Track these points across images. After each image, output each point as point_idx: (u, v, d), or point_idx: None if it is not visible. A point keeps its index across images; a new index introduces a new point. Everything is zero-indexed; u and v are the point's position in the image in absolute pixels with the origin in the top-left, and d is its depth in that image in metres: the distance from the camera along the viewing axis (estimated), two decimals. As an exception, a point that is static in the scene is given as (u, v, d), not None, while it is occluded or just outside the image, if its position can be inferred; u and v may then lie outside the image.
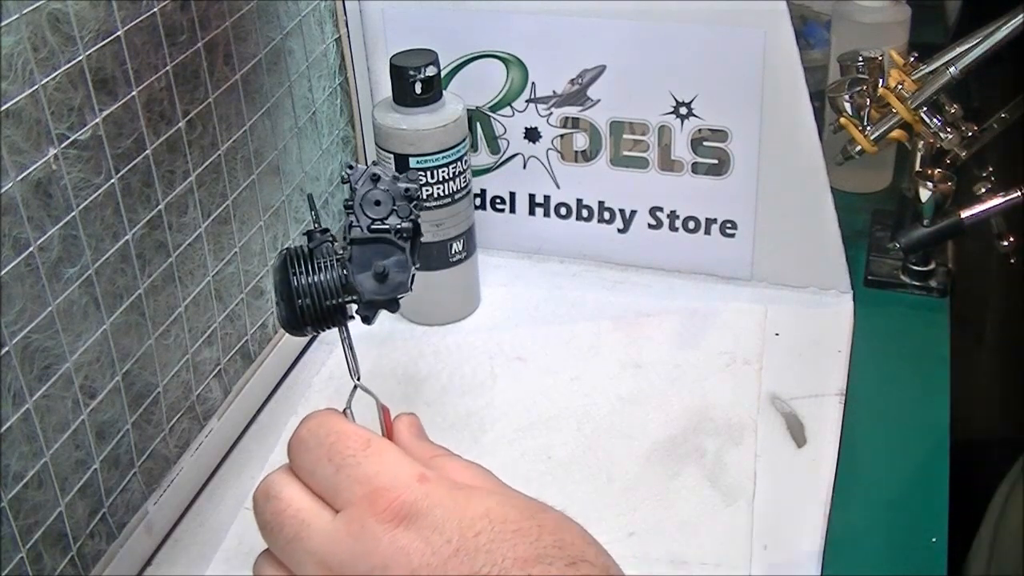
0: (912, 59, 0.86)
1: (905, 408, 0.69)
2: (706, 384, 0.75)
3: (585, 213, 0.87)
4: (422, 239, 0.55)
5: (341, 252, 0.52)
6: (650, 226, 0.86)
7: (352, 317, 0.52)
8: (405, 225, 0.53)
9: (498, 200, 0.89)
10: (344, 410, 0.49)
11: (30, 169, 0.51)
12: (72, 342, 0.55)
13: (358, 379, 0.52)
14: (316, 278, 0.51)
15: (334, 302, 0.51)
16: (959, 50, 0.81)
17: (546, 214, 0.88)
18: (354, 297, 0.51)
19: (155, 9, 0.58)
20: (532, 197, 0.88)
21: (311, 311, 0.51)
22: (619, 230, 0.87)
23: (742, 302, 0.83)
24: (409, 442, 0.48)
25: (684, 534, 0.64)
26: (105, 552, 0.60)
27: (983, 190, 0.80)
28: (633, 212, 0.86)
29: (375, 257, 0.52)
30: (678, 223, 0.85)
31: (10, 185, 0.49)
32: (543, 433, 0.71)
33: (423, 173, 0.76)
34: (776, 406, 0.72)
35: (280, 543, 0.45)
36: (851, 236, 0.83)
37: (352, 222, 0.52)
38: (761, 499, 0.65)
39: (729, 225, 0.84)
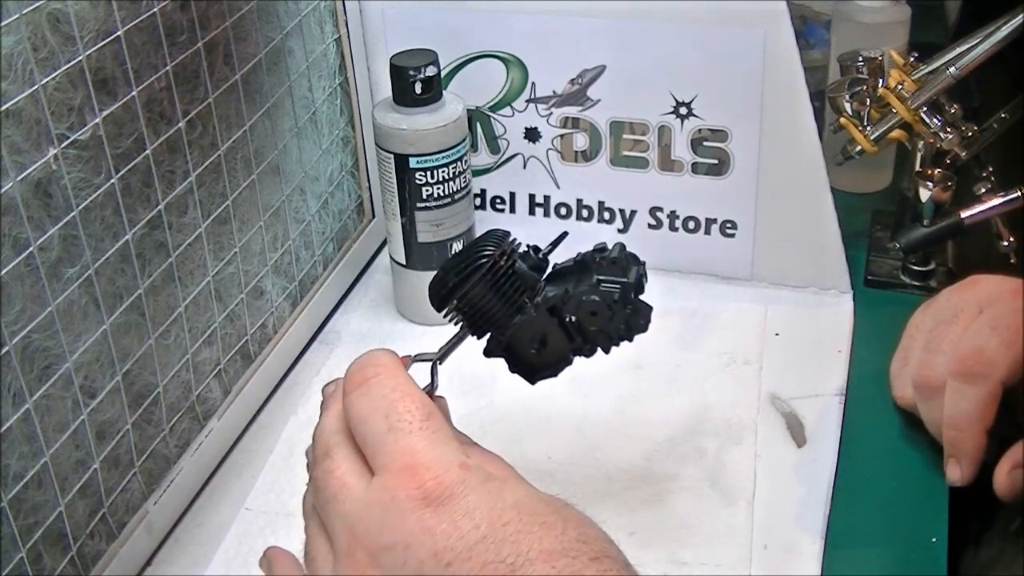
0: (912, 59, 0.86)
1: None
2: (706, 384, 0.75)
3: (585, 213, 0.87)
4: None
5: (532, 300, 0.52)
6: (650, 226, 0.86)
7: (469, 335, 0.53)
8: (607, 338, 0.56)
9: (498, 200, 0.89)
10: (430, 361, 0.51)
11: (30, 169, 0.51)
12: (72, 342, 0.55)
13: (440, 363, 0.53)
14: (498, 296, 0.52)
15: (481, 321, 0.52)
16: (959, 50, 0.81)
17: (546, 214, 0.88)
18: (498, 334, 0.52)
19: (155, 9, 0.58)
20: (532, 197, 0.88)
21: (461, 309, 0.52)
22: (619, 230, 0.87)
23: (742, 302, 0.83)
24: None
25: (684, 534, 0.63)
26: (105, 552, 0.60)
27: (983, 190, 0.80)
28: (633, 212, 0.86)
29: (539, 331, 0.53)
30: (678, 223, 0.85)
31: (10, 185, 0.49)
32: (543, 433, 0.71)
33: (423, 173, 0.76)
34: (776, 406, 0.72)
35: (321, 501, 0.46)
36: (851, 236, 0.83)
37: (567, 292, 0.53)
38: (761, 499, 0.65)
39: (729, 225, 0.84)
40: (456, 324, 0.53)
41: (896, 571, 0.60)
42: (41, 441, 0.53)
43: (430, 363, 0.53)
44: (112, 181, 0.57)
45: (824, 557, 0.61)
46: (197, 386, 0.68)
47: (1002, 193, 0.79)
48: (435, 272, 0.53)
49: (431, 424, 0.45)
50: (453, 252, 0.80)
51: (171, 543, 0.65)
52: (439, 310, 0.53)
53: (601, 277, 0.53)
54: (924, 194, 0.81)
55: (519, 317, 0.52)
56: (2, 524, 0.51)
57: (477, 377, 0.76)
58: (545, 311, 0.52)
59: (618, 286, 0.54)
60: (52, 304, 0.53)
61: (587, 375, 0.77)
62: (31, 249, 0.51)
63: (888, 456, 0.67)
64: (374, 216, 0.91)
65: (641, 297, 0.55)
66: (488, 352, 0.54)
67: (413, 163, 0.76)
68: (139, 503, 0.63)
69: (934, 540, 0.61)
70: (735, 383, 0.75)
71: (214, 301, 0.69)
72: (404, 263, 0.81)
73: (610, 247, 0.55)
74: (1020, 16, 0.78)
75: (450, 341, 0.53)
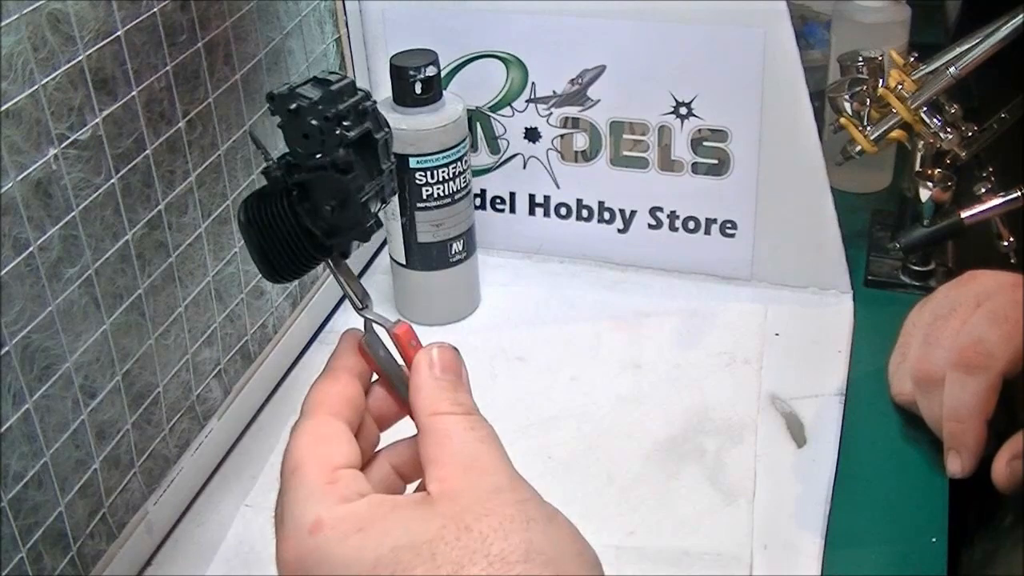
0: (912, 59, 0.86)
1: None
2: (706, 384, 0.75)
3: (585, 213, 0.87)
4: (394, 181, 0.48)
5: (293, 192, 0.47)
6: (650, 226, 0.86)
7: (331, 251, 0.48)
8: (341, 154, 0.46)
9: (498, 200, 0.89)
10: (360, 340, 0.47)
11: (30, 169, 0.51)
12: (72, 342, 0.55)
13: (361, 308, 0.49)
14: (278, 226, 0.47)
15: (303, 247, 0.47)
16: (959, 50, 0.81)
17: (546, 214, 0.88)
18: (324, 241, 0.47)
19: (155, 9, 0.58)
20: (532, 197, 0.88)
21: (288, 262, 0.47)
22: (619, 230, 0.87)
23: (742, 302, 0.83)
24: (421, 385, 0.45)
25: (684, 533, 0.64)
26: (105, 552, 0.60)
27: (983, 190, 0.80)
28: (633, 212, 0.86)
29: (323, 196, 0.47)
30: (678, 223, 0.85)
31: (10, 185, 0.49)
32: (543, 433, 0.71)
33: (423, 173, 0.76)
34: (776, 406, 0.72)
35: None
36: (851, 236, 0.83)
37: (290, 160, 0.47)
38: (761, 499, 0.65)
39: (729, 225, 0.84)
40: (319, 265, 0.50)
41: (896, 571, 0.60)
42: (41, 441, 0.53)
43: (368, 321, 0.50)
44: (112, 181, 0.57)
45: (824, 557, 0.61)
46: (197, 386, 0.68)
47: (1002, 193, 0.79)
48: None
49: (293, 481, 0.44)
50: (453, 252, 0.80)
51: (171, 543, 0.65)
52: (284, 279, 0.50)
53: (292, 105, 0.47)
54: (924, 194, 0.81)
55: (302, 208, 0.47)
56: (2, 524, 0.51)
57: (476, 377, 0.76)
58: (295, 189, 0.47)
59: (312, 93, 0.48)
60: (52, 304, 0.53)
61: (587, 375, 0.77)
62: (31, 249, 0.51)
63: (888, 456, 0.67)
64: (374, 216, 0.91)
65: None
66: (342, 254, 0.49)
67: (413, 163, 0.76)
68: (139, 503, 0.63)
69: (934, 540, 0.61)
70: (735, 383, 0.75)
71: (214, 301, 0.69)
72: (404, 263, 0.81)
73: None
74: (1020, 16, 0.78)
75: (341, 285, 0.50)
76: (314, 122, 0.46)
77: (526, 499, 0.40)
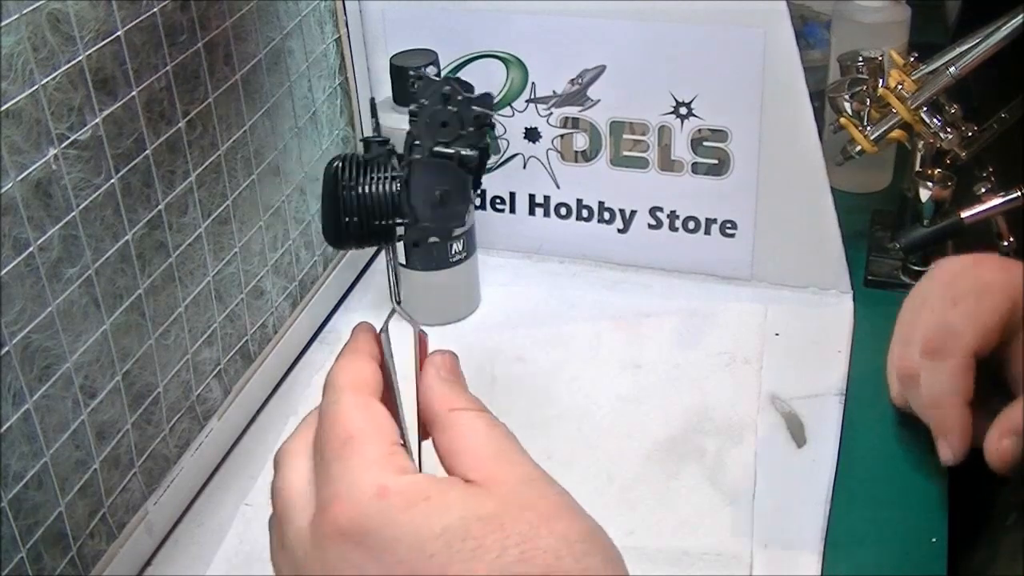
0: (912, 59, 0.86)
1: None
2: (706, 384, 0.75)
3: (585, 213, 0.87)
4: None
5: (399, 170, 0.48)
6: (650, 226, 0.86)
7: (399, 239, 0.50)
8: (471, 154, 0.48)
9: (498, 200, 0.89)
10: (380, 331, 0.48)
11: (30, 169, 0.51)
12: (72, 342, 0.55)
13: (398, 302, 0.50)
14: (368, 193, 0.48)
15: (383, 223, 0.48)
16: (959, 50, 0.81)
17: (546, 214, 0.88)
18: (405, 220, 0.48)
19: (155, 9, 0.58)
20: (532, 197, 0.88)
21: (357, 229, 0.48)
22: (619, 230, 0.87)
23: (742, 302, 0.83)
24: (433, 385, 0.46)
25: (684, 533, 0.64)
26: (105, 552, 0.60)
27: (983, 190, 0.80)
28: (633, 212, 0.86)
29: (434, 182, 0.49)
30: (678, 223, 0.85)
31: (10, 185, 0.49)
32: (543, 433, 0.71)
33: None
34: (776, 406, 0.72)
35: (273, 516, 0.46)
36: (851, 236, 0.83)
37: (415, 141, 0.48)
38: (761, 499, 0.65)
39: (729, 225, 0.84)
40: (382, 246, 0.51)
41: (896, 571, 0.60)
42: (41, 441, 0.53)
43: (394, 314, 0.50)
44: (112, 181, 0.57)
45: (824, 557, 0.61)
46: (197, 386, 0.68)
47: (1002, 193, 0.79)
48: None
49: (347, 451, 0.43)
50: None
51: (171, 543, 0.65)
52: (343, 247, 0.50)
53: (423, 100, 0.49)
54: (924, 194, 0.81)
55: (405, 187, 0.48)
56: (2, 524, 0.51)
57: (476, 377, 0.76)
58: (411, 166, 0.49)
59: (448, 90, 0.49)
60: (52, 304, 0.53)
61: (587, 375, 0.77)
62: (31, 249, 0.51)
63: (888, 456, 0.67)
64: (374, 216, 0.91)
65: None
66: (414, 244, 0.51)
67: (413, 163, 0.76)
68: (139, 503, 0.63)
69: (934, 540, 0.61)
70: (735, 383, 0.75)
71: (214, 301, 0.69)
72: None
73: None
74: (1020, 16, 0.78)
75: (388, 272, 0.51)
76: (459, 115, 0.48)
77: (563, 490, 0.43)
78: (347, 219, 0.48)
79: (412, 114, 0.48)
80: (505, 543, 0.39)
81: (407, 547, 0.40)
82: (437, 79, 0.48)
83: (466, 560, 0.38)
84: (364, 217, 0.48)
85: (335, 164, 0.48)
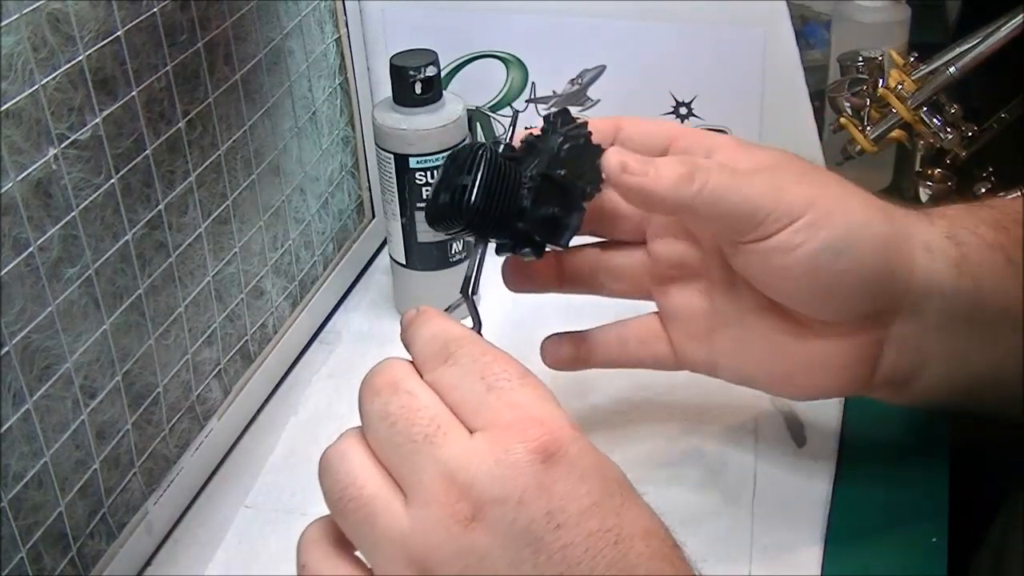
0: (912, 59, 0.86)
1: (905, 408, 0.69)
2: (706, 384, 0.75)
3: (585, 213, 0.87)
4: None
5: (528, 179, 0.52)
6: (650, 226, 0.86)
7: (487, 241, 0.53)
8: (592, 191, 0.54)
9: (498, 200, 0.89)
10: (446, 310, 0.50)
11: (30, 169, 0.51)
12: (72, 342, 0.55)
13: (473, 293, 0.53)
14: (499, 186, 0.51)
15: (490, 218, 0.51)
16: (959, 50, 0.81)
17: (546, 214, 0.88)
18: (520, 224, 0.52)
19: (155, 9, 0.58)
20: (532, 197, 0.88)
21: (480, 215, 0.51)
22: (619, 230, 0.87)
23: (742, 302, 0.83)
24: None
25: (684, 534, 0.63)
26: (105, 552, 0.60)
27: (983, 190, 0.80)
28: (633, 212, 0.86)
29: (549, 202, 0.53)
30: (678, 223, 0.85)
31: (10, 185, 0.49)
32: (543, 433, 0.71)
33: (423, 173, 0.76)
34: (776, 406, 0.72)
35: (400, 440, 0.41)
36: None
37: (551, 160, 0.53)
38: (761, 499, 0.65)
39: (729, 225, 0.84)
40: (463, 237, 0.55)
41: (896, 571, 0.60)
42: (41, 441, 0.53)
43: (464, 303, 0.52)
44: (112, 181, 0.57)
45: (824, 557, 0.61)
46: (197, 386, 0.68)
47: (1002, 193, 0.79)
48: (431, 201, 0.54)
49: (531, 381, 0.42)
50: (454, 252, 0.80)
51: (171, 543, 0.65)
52: (446, 226, 0.53)
53: (559, 134, 0.54)
54: (924, 194, 0.81)
55: (528, 194, 0.52)
56: (2, 524, 0.51)
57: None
58: (539, 177, 0.53)
59: (578, 130, 0.55)
60: (52, 304, 0.53)
61: (587, 375, 0.77)
62: (31, 249, 0.51)
63: (888, 456, 0.67)
64: (374, 216, 0.91)
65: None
66: (502, 246, 0.54)
67: (413, 163, 0.76)
68: (139, 503, 0.63)
69: (934, 540, 0.61)
70: (735, 383, 0.75)
71: (214, 301, 0.69)
72: (404, 263, 0.81)
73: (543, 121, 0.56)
74: (1020, 16, 0.78)
75: (473, 264, 0.53)
76: (590, 158, 0.53)
77: None
78: (476, 201, 0.51)
79: (543, 137, 0.54)
80: (652, 511, 0.45)
81: (597, 480, 0.41)
82: (579, 121, 0.54)
83: (633, 509, 0.42)
84: (492, 205, 0.51)
85: (481, 150, 0.51)
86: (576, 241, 0.57)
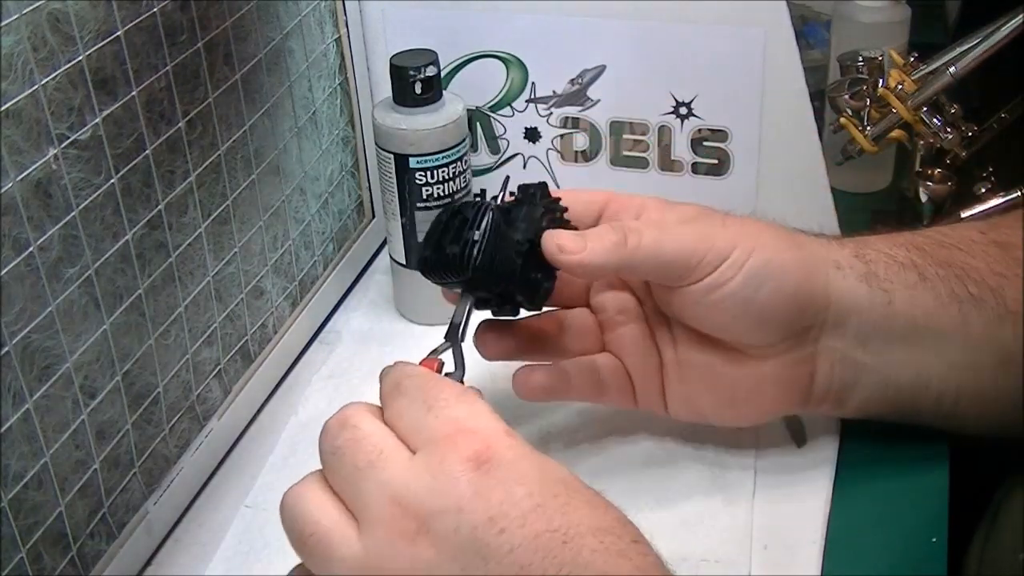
0: (912, 59, 0.86)
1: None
2: (706, 384, 0.75)
3: (585, 213, 0.87)
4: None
5: (516, 243, 0.57)
6: (650, 226, 0.86)
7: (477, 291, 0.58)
8: (535, 278, 0.59)
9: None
10: (432, 353, 0.53)
11: (30, 169, 0.51)
12: (72, 342, 0.55)
13: (461, 340, 0.56)
14: (500, 246, 0.56)
15: (499, 273, 0.56)
16: (959, 50, 0.82)
17: (546, 214, 0.88)
18: (507, 285, 0.57)
19: (155, 9, 0.58)
20: (532, 197, 0.88)
21: (483, 272, 0.55)
22: (619, 230, 0.87)
23: (742, 302, 0.83)
24: None
25: (684, 534, 0.63)
26: (105, 552, 0.60)
27: (983, 190, 0.80)
28: (633, 212, 0.86)
29: (534, 267, 0.58)
30: (678, 223, 0.85)
31: (10, 185, 0.49)
32: (542, 433, 0.71)
33: (423, 173, 0.76)
34: (776, 406, 0.72)
35: (347, 470, 0.44)
36: (851, 236, 0.83)
37: (536, 229, 0.57)
38: (761, 499, 0.65)
39: (729, 225, 0.84)
40: (451, 288, 0.57)
41: (896, 571, 0.60)
42: (41, 441, 0.53)
43: (449, 349, 0.55)
44: (112, 181, 0.57)
45: (824, 557, 0.61)
46: (197, 386, 0.68)
47: (1002, 193, 0.79)
48: (422, 253, 0.58)
49: (467, 398, 0.45)
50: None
51: (171, 543, 0.65)
52: (442, 279, 0.57)
53: (539, 206, 0.59)
54: (924, 194, 0.81)
55: (516, 257, 0.56)
56: (2, 524, 0.51)
57: (476, 378, 0.76)
58: (527, 243, 0.57)
59: (555, 204, 0.60)
60: (52, 304, 0.53)
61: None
62: (31, 249, 0.51)
63: (888, 456, 0.67)
64: (374, 216, 0.91)
65: None
66: (489, 302, 0.58)
67: (413, 163, 0.76)
68: (139, 503, 0.63)
69: (934, 540, 0.61)
70: (735, 383, 0.75)
71: (214, 301, 0.69)
72: (404, 263, 0.81)
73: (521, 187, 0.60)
74: (1020, 16, 0.78)
75: (458, 314, 0.56)
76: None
77: None
78: (482, 255, 0.55)
79: (519, 200, 0.58)
80: (607, 507, 0.44)
81: (536, 482, 0.42)
82: (555, 197, 0.59)
83: (582, 508, 0.42)
84: (494, 263, 0.56)
85: (489, 204, 0.56)
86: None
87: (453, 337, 0.56)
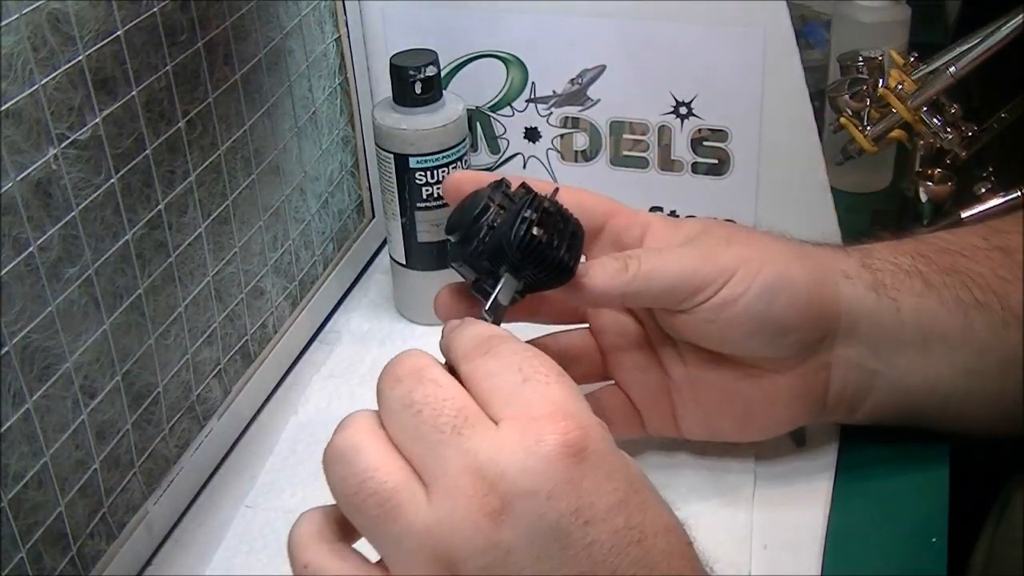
0: (912, 59, 0.86)
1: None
2: (706, 384, 0.75)
3: (585, 213, 0.87)
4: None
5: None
6: (650, 226, 0.86)
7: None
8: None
9: (498, 200, 0.89)
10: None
11: (30, 169, 0.51)
12: (72, 342, 0.55)
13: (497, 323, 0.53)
14: (501, 226, 0.53)
15: (496, 255, 0.53)
16: (959, 50, 0.81)
17: (546, 214, 0.88)
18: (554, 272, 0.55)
19: (155, 9, 0.58)
20: (532, 197, 0.88)
21: (535, 254, 0.53)
22: (619, 230, 0.87)
23: (742, 302, 0.83)
24: None
25: (684, 534, 0.63)
26: (105, 552, 0.60)
27: (983, 190, 0.80)
28: (633, 212, 0.86)
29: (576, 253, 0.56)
30: (678, 223, 0.85)
31: (10, 185, 0.49)
32: (543, 433, 0.71)
33: (423, 173, 0.76)
34: (776, 406, 0.72)
35: (425, 429, 0.41)
36: (851, 236, 0.83)
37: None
38: (761, 499, 0.65)
39: (729, 225, 0.84)
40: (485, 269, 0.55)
41: (896, 571, 0.60)
42: (41, 441, 0.53)
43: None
44: (112, 181, 0.57)
45: (824, 557, 0.61)
46: (197, 386, 0.68)
47: (1002, 193, 0.79)
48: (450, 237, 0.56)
49: (567, 381, 0.43)
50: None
51: (171, 543, 0.65)
52: (495, 259, 0.54)
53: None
54: (924, 194, 0.81)
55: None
56: (2, 524, 0.51)
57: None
58: (573, 232, 0.56)
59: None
60: (52, 304, 0.53)
61: (587, 375, 0.77)
62: (31, 249, 0.51)
63: (888, 456, 0.67)
64: (374, 216, 0.91)
65: None
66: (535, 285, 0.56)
67: (413, 163, 0.76)
68: (139, 503, 0.63)
69: (934, 540, 0.61)
70: (735, 383, 0.75)
71: (214, 301, 0.69)
72: (404, 263, 0.81)
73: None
74: (1020, 16, 0.78)
75: (503, 297, 0.54)
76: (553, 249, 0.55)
77: None
78: (490, 240, 0.53)
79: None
80: (669, 507, 0.45)
81: (623, 477, 0.41)
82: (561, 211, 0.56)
83: (654, 506, 0.43)
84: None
85: (534, 192, 0.54)
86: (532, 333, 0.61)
87: (492, 312, 0.53)
